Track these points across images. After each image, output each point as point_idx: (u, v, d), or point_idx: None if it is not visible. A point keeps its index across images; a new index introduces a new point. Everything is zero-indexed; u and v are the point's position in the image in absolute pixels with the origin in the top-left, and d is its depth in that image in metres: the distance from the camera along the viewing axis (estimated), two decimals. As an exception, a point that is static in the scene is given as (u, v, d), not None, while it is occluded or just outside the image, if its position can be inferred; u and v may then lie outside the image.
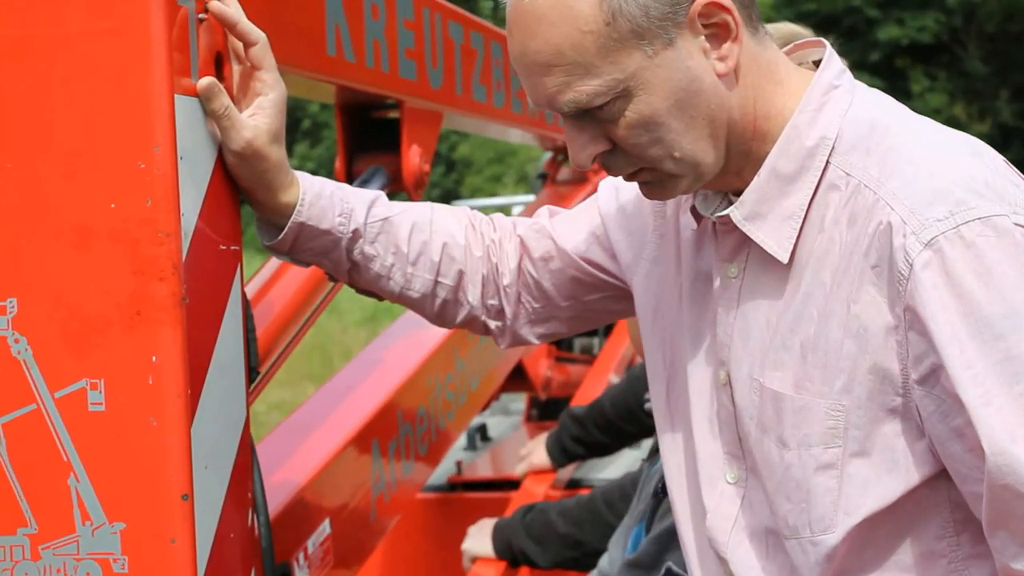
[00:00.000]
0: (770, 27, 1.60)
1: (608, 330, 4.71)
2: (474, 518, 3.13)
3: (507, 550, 2.98)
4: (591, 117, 1.47)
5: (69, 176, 1.42)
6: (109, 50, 1.42)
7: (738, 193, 1.53)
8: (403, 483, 2.51)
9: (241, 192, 1.64)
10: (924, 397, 1.40)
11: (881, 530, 1.47)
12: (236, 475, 1.56)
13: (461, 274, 1.82)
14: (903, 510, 1.46)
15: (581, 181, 4.57)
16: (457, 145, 23.90)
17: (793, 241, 1.48)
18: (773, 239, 1.49)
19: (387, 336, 2.99)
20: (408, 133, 2.46)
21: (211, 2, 1.53)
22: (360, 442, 2.30)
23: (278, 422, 2.48)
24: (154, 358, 1.41)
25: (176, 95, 1.43)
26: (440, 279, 1.81)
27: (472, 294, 1.83)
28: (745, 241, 1.53)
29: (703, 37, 1.44)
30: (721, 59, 1.45)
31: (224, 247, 1.56)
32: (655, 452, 2.42)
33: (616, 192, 1.81)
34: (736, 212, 1.51)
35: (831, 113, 1.49)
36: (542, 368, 4.39)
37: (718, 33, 1.44)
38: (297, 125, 23.59)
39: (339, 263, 1.75)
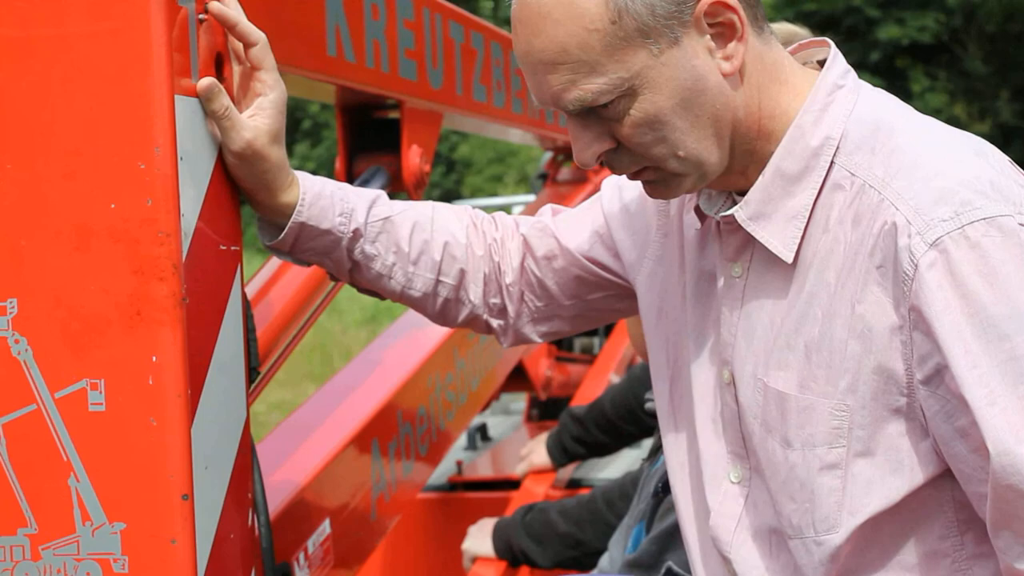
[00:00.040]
0: None
1: (608, 330, 4.71)
2: (474, 518, 3.13)
3: (507, 550, 2.98)
4: (596, 115, 1.47)
5: (69, 176, 1.42)
6: (109, 51, 1.42)
7: (742, 192, 1.54)
8: (403, 483, 2.51)
9: (241, 192, 1.64)
10: (928, 397, 1.40)
11: (885, 530, 1.47)
12: (236, 475, 1.56)
13: (463, 273, 1.82)
14: (907, 510, 1.46)
15: (581, 181, 4.57)
16: (457, 145, 23.89)
17: (798, 241, 1.48)
18: (778, 239, 1.49)
19: (387, 336, 2.99)
20: (408, 133, 2.46)
21: (211, 3, 1.53)
22: (360, 442, 2.30)
23: (278, 422, 2.48)
24: (154, 358, 1.41)
25: (176, 95, 1.43)
26: (442, 278, 1.81)
27: (474, 293, 1.83)
28: (749, 241, 1.53)
29: (709, 36, 1.44)
30: (726, 58, 1.45)
31: (224, 247, 1.56)
32: (655, 452, 2.42)
33: (619, 191, 1.81)
34: (740, 212, 1.51)
35: (836, 113, 1.49)
36: (542, 368, 4.39)
37: (724, 32, 1.44)
38: (297, 125, 23.58)
39: (340, 263, 1.75)
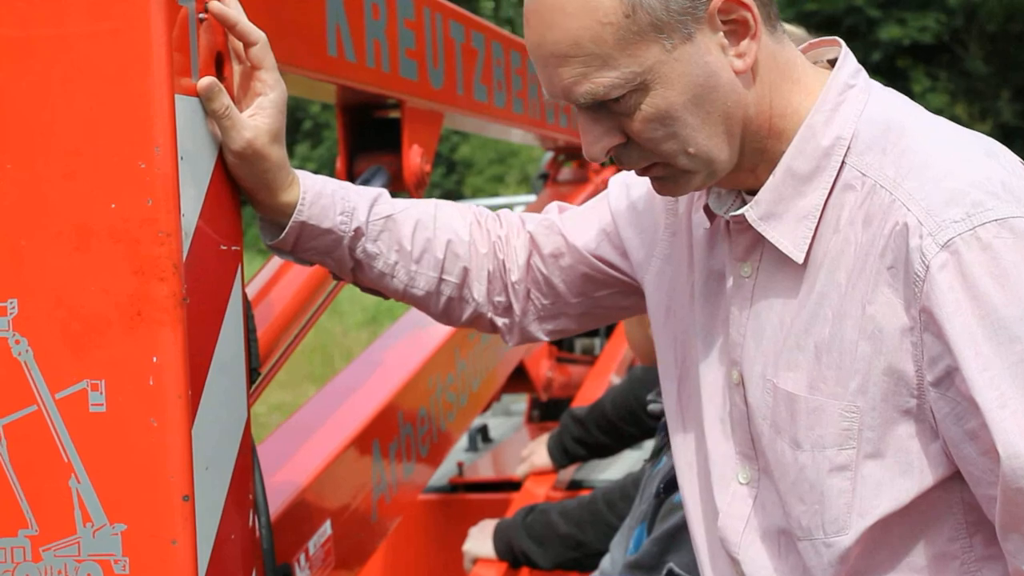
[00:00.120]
0: None
1: (609, 331, 4.71)
2: (475, 519, 3.13)
3: (508, 551, 2.98)
4: (606, 110, 1.46)
5: (69, 176, 1.42)
6: (109, 50, 1.41)
7: (751, 192, 1.53)
8: (404, 484, 2.51)
9: (242, 192, 1.64)
10: (939, 399, 1.39)
11: (894, 531, 1.47)
12: (237, 476, 1.56)
13: (466, 271, 1.81)
14: (917, 512, 1.45)
15: (582, 181, 4.58)
16: (458, 146, 23.90)
17: (808, 241, 1.48)
18: (788, 239, 1.49)
19: (388, 337, 2.99)
20: (409, 133, 2.46)
21: (211, 2, 1.53)
22: (361, 443, 2.29)
23: (279, 423, 2.48)
24: (155, 359, 1.41)
25: (176, 95, 1.43)
26: (445, 276, 1.80)
27: (477, 291, 1.83)
28: (759, 240, 1.53)
29: (722, 33, 1.44)
30: (739, 56, 1.45)
31: (225, 247, 1.56)
32: (658, 453, 2.41)
33: (627, 189, 1.80)
34: (751, 212, 1.51)
35: (847, 113, 1.49)
36: (543, 369, 4.39)
37: (737, 30, 1.44)
38: (298, 126, 23.59)
39: (342, 262, 1.75)
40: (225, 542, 1.51)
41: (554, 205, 1.91)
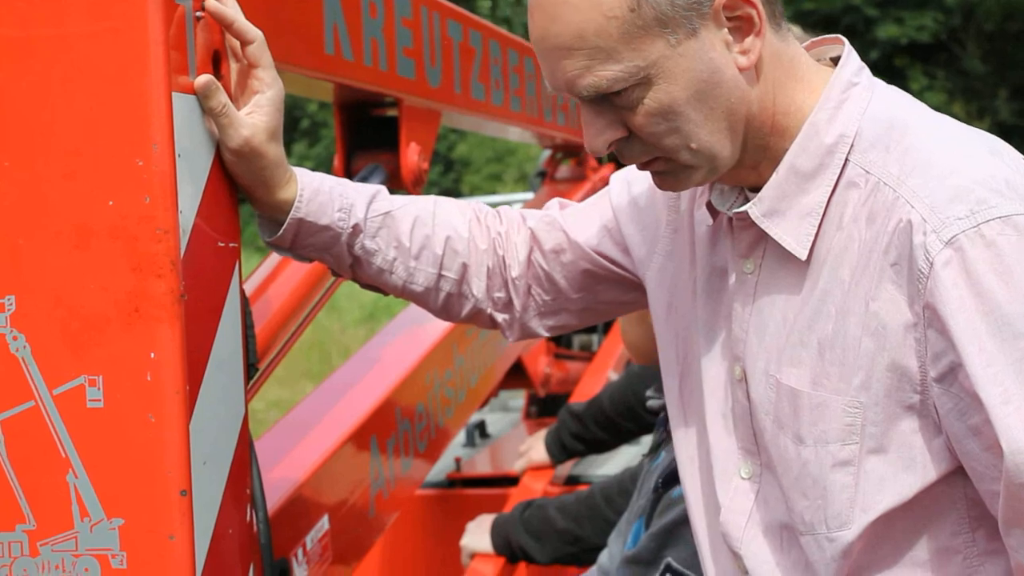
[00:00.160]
0: None
1: (607, 327, 4.71)
2: (473, 514, 3.14)
3: (506, 546, 2.99)
4: (609, 103, 1.46)
5: (67, 174, 1.43)
6: (107, 49, 1.42)
7: (754, 188, 1.54)
8: (402, 479, 2.51)
9: (240, 189, 1.64)
10: (942, 395, 1.40)
11: (897, 526, 1.47)
12: (234, 471, 1.56)
13: (465, 267, 1.82)
14: (919, 506, 1.46)
15: (579, 179, 4.58)
16: (456, 144, 23.88)
17: (812, 238, 1.48)
18: (791, 236, 1.49)
19: (385, 333, 3.00)
20: (406, 131, 2.46)
21: (208, 1, 1.53)
22: (359, 439, 2.30)
23: (277, 420, 2.48)
24: (152, 355, 1.41)
25: (174, 93, 1.43)
26: (443, 272, 1.81)
27: (477, 287, 1.83)
28: (762, 237, 1.53)
29: (726, 30, 1.44)
30: (743, 53, 1.45)
31: (222, 244, 1.57)
32: (656, 448, 2.42)
33: (628, 186, 1.80)
34: (754, 208, 1.51)
35: (850, 111, 1.49)
36: (541, 365, 4.40)
37: (742, 27, 1.44)
38: (295, 124, 23.56)
39: (341, 258, 1.76)
40: (223, 537, 1.51)
41: (555, 201, 1.91)
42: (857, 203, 1.46)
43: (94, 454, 1.42)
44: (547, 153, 4.75)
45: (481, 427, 4.42)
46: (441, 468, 3.90)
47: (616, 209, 1.81)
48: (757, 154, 1.52)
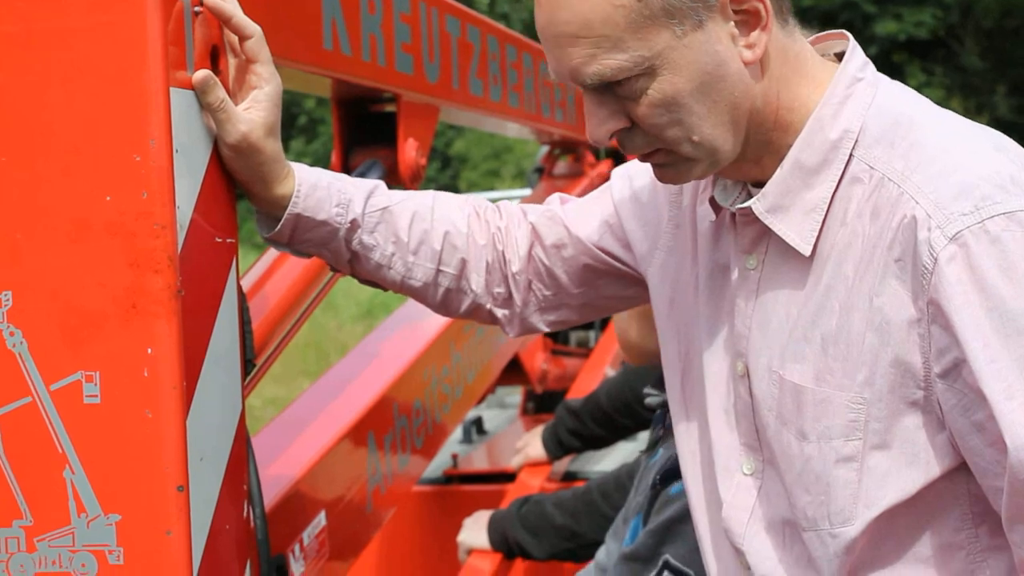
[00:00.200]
0: None
1: (604, 323, 4.71)
2: (470, 510, 3.14)
3: (503, 542, 2.99)
4: (612, 93, 1.46)
5: (65, 169, 1.42)
6: (105, 44, 1.42)
7: (757, 184, 1.53)
8: (399, 476, 2.51)
9: (237, 185, 1.64)
10: (946, 391, 1.40)
11: (900, 522, 1.47)
12: (231, 467, 1.56)
13: (464, 262, 1.81)
14: (922, 502, 1.46)
15: (577, 175, 4.58)
16: (453, 141, 23.87)
17: (816, 234, 1.48)
18: (795, 231, 1.49)
19: (383, 330, 3.00)
20: (404, 127, 2.46)
21: (206, -4, 1.53)
22: (356, 435, 2.30)
23: (273, 417, 2.48)
24: (149, 350, 1.41)
25: (172, 88, 1.43)
26: (442, 268, 1.81)
27: (476, 282, 1.83)
28: (765, 233, 1.53)
29: (733, 23, 1.44)
30: (749, 47, 1.45)
31: (220, 239, 1.56)
32: (654, 444, 2.42)
33: (630, 181, 1.80)
34: (758, 204, 1.51)
35: (855, 106, 1.49)
36: (538, 361, 4.40)
37: (748, 20, 1.44)
38: (293, 121, 23.55)
39: (339, 253, 1.76)
40: (220, 533, 1.51)
41: (556, 196, 1.91)
42: (861, 199, 1.46)
43: (91, 450, 1.42)
44: (545, 149, 4.75)
45: (478, 423, 4.42)
46: (438, 464, 3.90)
47: (618, 204, 1.81)
48: (759, 149, 1.51)
